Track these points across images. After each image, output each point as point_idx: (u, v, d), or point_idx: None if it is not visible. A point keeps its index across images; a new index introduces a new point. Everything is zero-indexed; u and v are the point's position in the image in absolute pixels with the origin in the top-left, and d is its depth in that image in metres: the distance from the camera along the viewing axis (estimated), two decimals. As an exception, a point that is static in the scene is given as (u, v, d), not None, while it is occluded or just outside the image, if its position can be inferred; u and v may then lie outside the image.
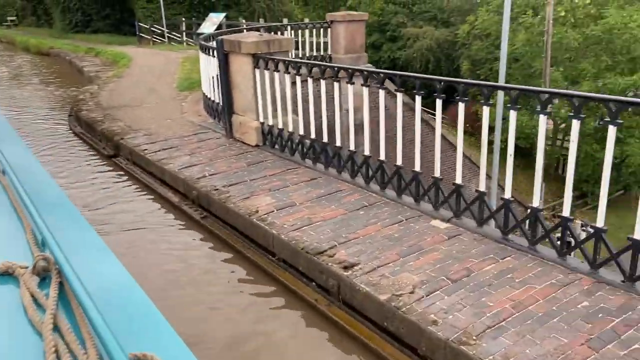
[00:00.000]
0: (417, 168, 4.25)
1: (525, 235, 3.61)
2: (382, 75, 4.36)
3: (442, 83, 3.88)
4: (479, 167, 14.45)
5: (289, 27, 14.42)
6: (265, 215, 4.38)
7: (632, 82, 18.56)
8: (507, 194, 3.72)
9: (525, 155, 19.92)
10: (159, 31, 23.75)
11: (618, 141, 19.39)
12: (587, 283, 3.17)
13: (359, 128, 4.79)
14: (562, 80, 20.26)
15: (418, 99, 4.11)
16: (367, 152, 4.71)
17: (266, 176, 5.31)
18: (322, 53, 14.67)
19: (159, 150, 6.34)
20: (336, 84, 4.84)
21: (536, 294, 3.07)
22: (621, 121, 3.13)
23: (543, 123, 3.47)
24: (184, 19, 24.19)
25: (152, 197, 5.72)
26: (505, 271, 3.34)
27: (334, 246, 3.79)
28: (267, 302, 3.80)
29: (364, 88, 4.53)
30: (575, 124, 3.25)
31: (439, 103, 3.95)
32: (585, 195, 21.73)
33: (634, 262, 3.04)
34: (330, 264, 3.58)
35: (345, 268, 3.51)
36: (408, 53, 26.39)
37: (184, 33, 23.79)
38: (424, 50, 25.60)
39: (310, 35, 14.32)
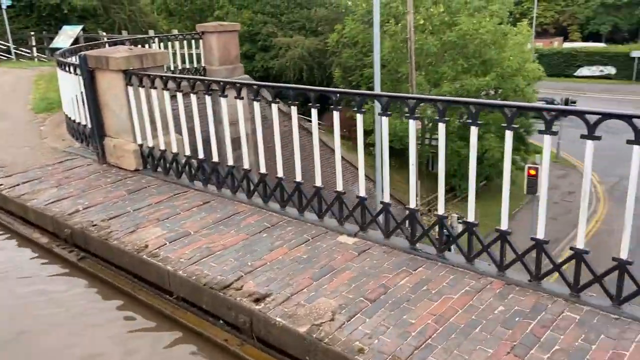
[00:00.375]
0: (318, 183, 4.08)
1: (432, 243, 3.59)
2: (273, 89, 4.14)
3: (338, 95, 3.76)
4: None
5: (156, 39, 13.65)
6: (157, 250, 3.92)
7: (485, 82, 20.50)
8: (412, 204, 3.69)
9: (399, 155, 21.00)
10: (4, 47, 21.22)
11: (479, 138, 21.32)
12: (498, 286, 3.21)
13: (250, 144, 4.50)
14: (425, 84, 21.73)
15: (314, 111, 3.95)
16: (263, 170, 4.45)
17: (152, 204, 4.80)
18: (195, 65, 14.12)
19: (18, 184, 5.47)
20: (223, 100, 4.51)
21: (454, 305, 3.04)
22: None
23: (442, 130, 3.49)
24: (32, 33, 21.87)
25: (14, 240, 4.90)
26: (420, 283, 3.28)
27: (241, 277, 3.47)
28: (168, 348, 3.36)
29: (255, 102, 4.27)
30: (474, 130, 3.31)
31: (336, 115, 3.83)
32: (454, 189, 23.48)
33: (538, 261, 3.14)
34: (238, 298, 3.26)
35: (257, 301, 3.21)
36: (281, 62, 26.54)
37: (34, 48, 21.53)
38: (297, 59, 25.93)
39: (181, 47, 13.69)
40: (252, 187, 4.60)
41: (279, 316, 3.04)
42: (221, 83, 4.48)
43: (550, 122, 2.91)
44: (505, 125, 3.12)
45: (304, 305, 3.11)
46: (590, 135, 2.77)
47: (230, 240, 4.00)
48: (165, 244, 4.00)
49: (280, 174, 4.30)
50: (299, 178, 4.20)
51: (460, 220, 15.79)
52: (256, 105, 4.29)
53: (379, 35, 12.44)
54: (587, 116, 2.74)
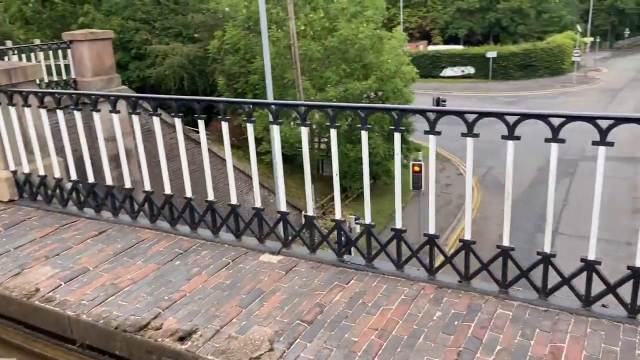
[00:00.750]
0: (234, 201, 3.81)
1: (361, 254, 3.50)
2: (177, 102, 3.79)
3: (252, 106, 3.53)
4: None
5: (16, 50, 12.23)
6: (51, 293, 3.38)
7: (367, 86, 21.27)
8: (338, 215, 3.57)
9: (291, 161, 21.00)
10: None
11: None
12: (430, 291, 3.20)
13: (153, 164, 4.09)
14: (311, 89, 21.99)
15: (225, 124, 3.67)
16: (168, 191, 4.06)
17: (36, 239, 4.17)
18: (64, 77, 12.88)
19: None
20: (115, 116, 4.04)
21: (394, 316, 2.96)
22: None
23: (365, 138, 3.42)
24: None
25: None
26: (355, 297, 3.17)
27: (158, 314, 3.09)
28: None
29: (155, 118, 3.88)
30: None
31: (250, 127, 3.59)
32: (345, 190, 24.03)
33: (467, 262, 3.18)
34: (159, 338, 2.89)
35: (181, 339, 2.87)
36: (159, 71, 25.26)
37: None
38: (176, 67, 24.84)
39: (46, 58, 12.41)
40: (155, 210, 4.19)
41: (210, 354, 2.74)
42: (112, 97, 4.01)
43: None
44: (428, 130, 3.11)
45: (236, 338, 2.84)
46: (511, 135, 2.85)
47: (139, 272, 3.58)
48: (60, 284, 3.48)
49: (188, 193, 3.95)
50: (210, 197, 3.89)
51: (357, 221, 16.14)
52: (156, 120, 3.90)
53: (267, 41, 12.27)
54: (507, 117, 2.81)
